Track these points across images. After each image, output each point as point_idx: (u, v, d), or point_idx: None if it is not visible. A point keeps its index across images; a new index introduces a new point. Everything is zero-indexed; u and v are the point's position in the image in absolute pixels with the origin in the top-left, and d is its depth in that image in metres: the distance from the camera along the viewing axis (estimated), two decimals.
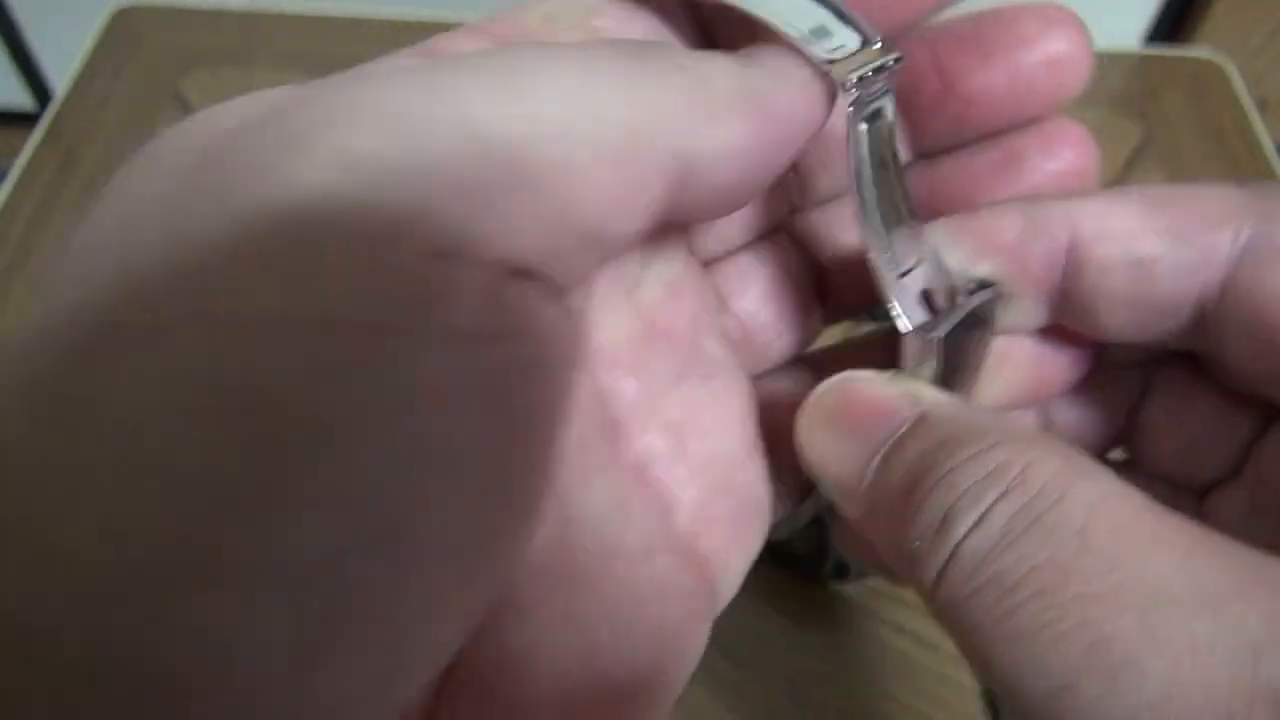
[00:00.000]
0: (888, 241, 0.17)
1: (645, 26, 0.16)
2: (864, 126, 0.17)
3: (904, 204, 0.17)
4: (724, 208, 0.16)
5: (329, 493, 0.11)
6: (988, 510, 0.13)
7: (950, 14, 0.17)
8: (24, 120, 0.60)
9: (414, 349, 0.11)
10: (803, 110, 0.15)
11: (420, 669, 0.13)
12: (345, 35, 0.55)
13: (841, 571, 0.34)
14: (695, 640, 0.17)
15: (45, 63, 0.71)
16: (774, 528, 0.21)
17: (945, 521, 0.14)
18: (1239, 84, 0.53)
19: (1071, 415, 0.20)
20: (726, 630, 0.35)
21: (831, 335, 0.21)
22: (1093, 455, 0.19)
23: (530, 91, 0.13)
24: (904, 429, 0.15)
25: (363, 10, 0.55)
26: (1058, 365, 0.19)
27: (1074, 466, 0.14)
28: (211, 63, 0.53)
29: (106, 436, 0.10)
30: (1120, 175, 0.50)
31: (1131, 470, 0.19)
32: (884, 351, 0.18)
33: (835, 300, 0.20)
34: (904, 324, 0.17)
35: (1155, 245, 0.16)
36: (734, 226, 0.19)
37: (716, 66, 0.15)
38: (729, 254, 0.20)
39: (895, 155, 0.17)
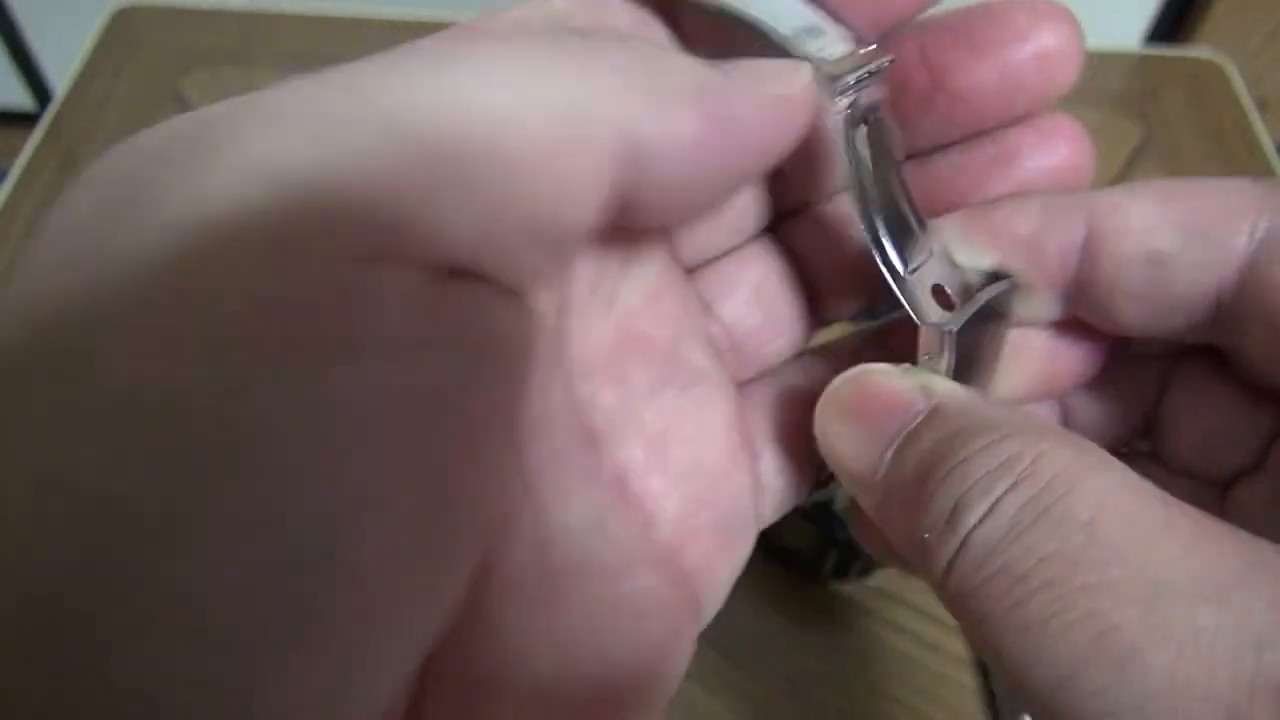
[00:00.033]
0: (893, 241, 0.17)
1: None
2: (860, 130, 0.17)
3: (906, 202, 0.17)
4: (685, 207, 0.15)
5: (249, 514, 0.10)
6: (998, 501, 0.14)
7: (939, 9, 0.17)
8: (24, 120, 0.60)
9: (335, 362, 0.11)
10: (770, 120, 0.15)
11: (376, 686, 0.12)
12: (345, 35, 0.55)
13: (841, 571, 0.34)
14: (679, 654, 0.17)
15: (45, 63, 0.71)
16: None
17: (956, 512, 0.14)
18: (1239, 84, 0.53)
19: (1091, 408, 0.20)
20: (726, 630, 0.35)
21: (829, 335, 0.21)
22: (1113, 448, 0.19)
23: (460, 81, 0.12)
24: (917, 421, 0.15)
25: (363, 10, 0.55)
26: (1074, 358, 0.19)
27: (1085, 458, 0.14)
28: (211, 63, 0.53)
29: (13, 466, 0.10)
30: (1120, 175, 0.50)
31: (1153, 463, 0.19)
32: (901, 342, 0.18)
33: (829, 301, 0.20)
34: (917, 319, 0.17)
35: (1171, 240, 0.16)
36: (719, 232, 0.19)
37: (677, 62, 0.14)
38: (714, 260, 0.19)
39: (893, 155, 0.17)
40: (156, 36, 0.55)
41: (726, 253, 0.19)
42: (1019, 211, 0.17)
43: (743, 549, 0.19)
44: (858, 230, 0.17)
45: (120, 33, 0.55)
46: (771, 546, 0.35)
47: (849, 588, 0.35)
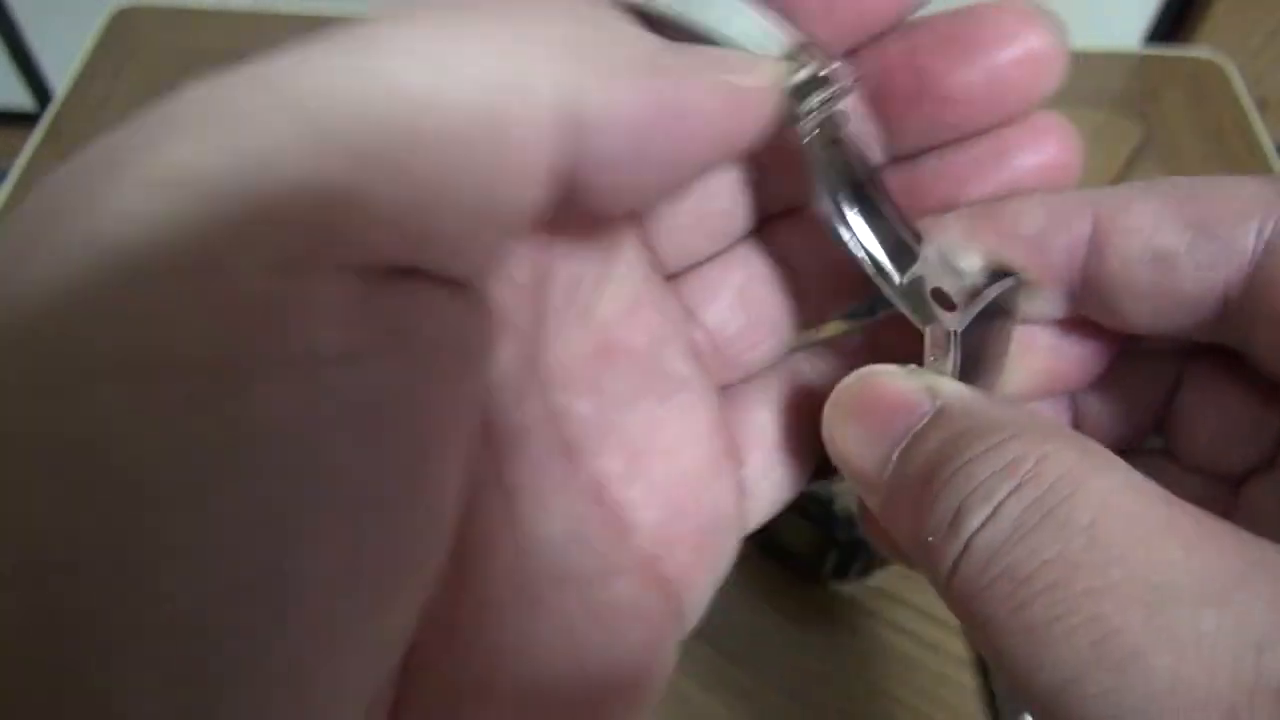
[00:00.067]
0: (884, 252, 0.17)
1: None
2: (830, 151, 0.17)
3: (891, 211, 0.18)
4: (633, 192, 0.15)
5: (187, 542, 0.10)
6: (1000, 504, 0.14)
7: (923, 11, 0.17)
8: (24, 120, 0.60)
9: (262, 381, 0.10)
10: (726, 111, 0.15)
11: (342, 704, 0.12)
12: None
13: (841, 571, 0.34)
14: (661, 661, 0.17)
15: (45, 63, 0.71)
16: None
17: (959, 515, 0.14)
18: (1239, 84, 0.53)
19: (1102, 404, 0.19)
20: (726, 629, 0.35)
21: (821, 333, 0.21)
22: (1125, 445, 0.19)
23: (381, 63, 0.12)
24: (923, 422, 0.15)
25: (362, 11, 0.55)
26: (1082, 355, 0.18)
27: (1089, 460, 0.14)
28: (211, 63, 0.53)
29: None
30: (1120, 175, 0.50)
31: (1166, 459, 0.19)
32: (895, 338, 0.18)
33: (817, 303, 0.20)
34: (919, 325, 0.17)
35: (1178, 239, 0.16)
36: (701, 237, 0.19)
37: (628, 36, 0.14)
38: (697, 265, 0.19)
39: (869, 168, 0.17)
40: (156, 36, 0.55)
41: (710, 257, 0.19)
42: (1025, 209, 0.17)
43: (725, 556, 0.19)
44: (846, 249, 0.17)
45: (120, 33, 0.55)
46: (771, 546, 0.35)
47: (849, 588, 0.35)
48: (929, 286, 0.17)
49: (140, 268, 0.10)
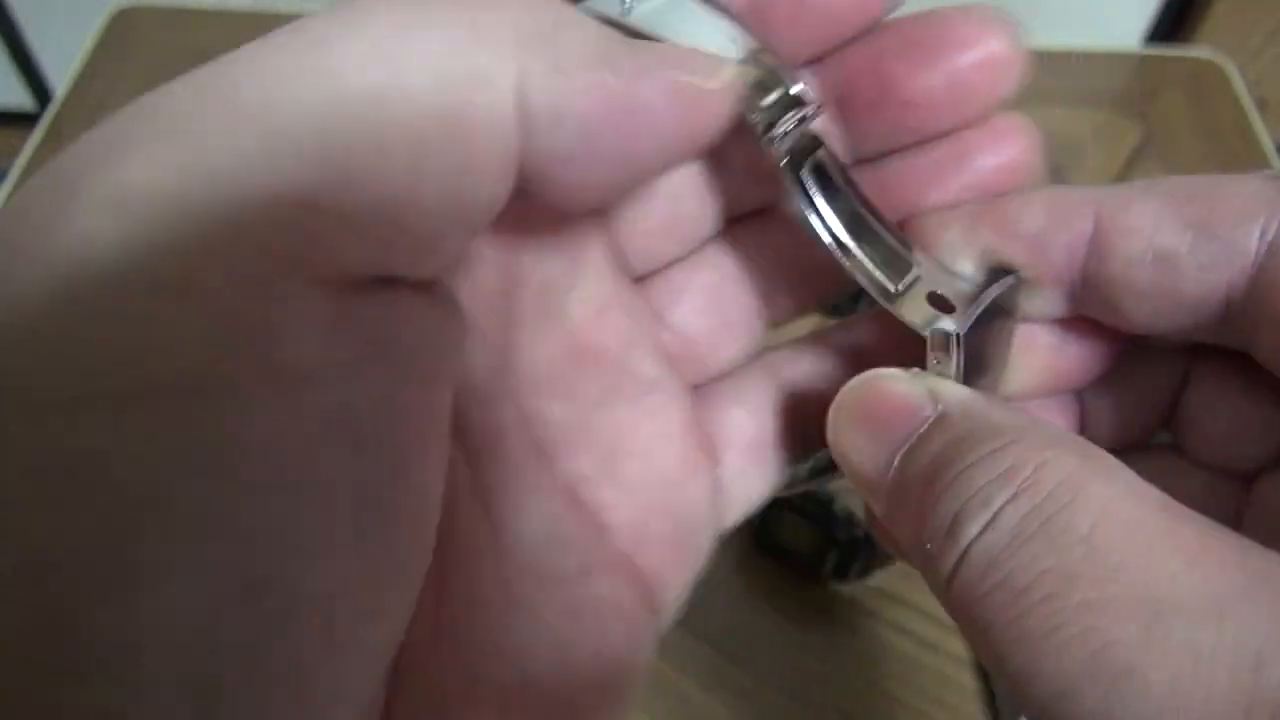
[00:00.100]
0: (875, 264, 0.17)
1: None
2: (806, 173, 0.17)
3: (876, 221, 0.18)
4: (584, 189, 0.14)
5: (185, 549, 0.10)
6: (998, 512, 0.13)
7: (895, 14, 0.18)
8: (24, 120, 0.60)
9: (245, 398, 0.11)
10: (681, 111, 0.14)
11: (341, 704, 0.12)
12: None
13: (841, 571, 0.34)
14: (640, 655, 0.17)
15: (45, 63, 0.71)
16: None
17: (956, 522, 0.14)
18: (1239, 84, 0.53)
19: (1110, 401, 0.19)
20: (726, 630, 0.35)
21: (802, 327, 0.21)
22: (1135, 441, 0.19)
23: (336, 63, 0.11)
24: (924, 428, 0.15)
25: None
26: (1086, 352, 0.18)
27: (1089, 466, 0.14)
28: None
29: None
30: (1120, 175, 0.50)
31: (1177, 454, 0.19)
32: (875, 334, 0.19)
33: (790, 301, 0.20)
34: (920, 332, 0.17)
35: (1179, 239, 0.16)
36: (669, 241, 0.19)
37: (584, 31, 0.14)
38: (663, 269, 0.19)
39: (849, 183, 0.18)
40: (156, 36, 0.55)
41: (678, 259, 0.19)
42: (1026, 207, 0.17)
43: (700, 553, 0.19)
44: (840, 267, 0.17)
45: (120, 33, 0.55)
46: (771, 546, 0.36)
47: (849, 588, 0.35)
48: (925, 291, 0.17)
49: (99, 295, 0.10)
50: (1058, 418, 0.19)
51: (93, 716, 0.10)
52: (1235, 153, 0.50)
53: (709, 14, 0.16)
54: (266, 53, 0.12)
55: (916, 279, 0.17)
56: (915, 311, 0.17)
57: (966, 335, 0.16)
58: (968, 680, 0.34)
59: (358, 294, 0.12)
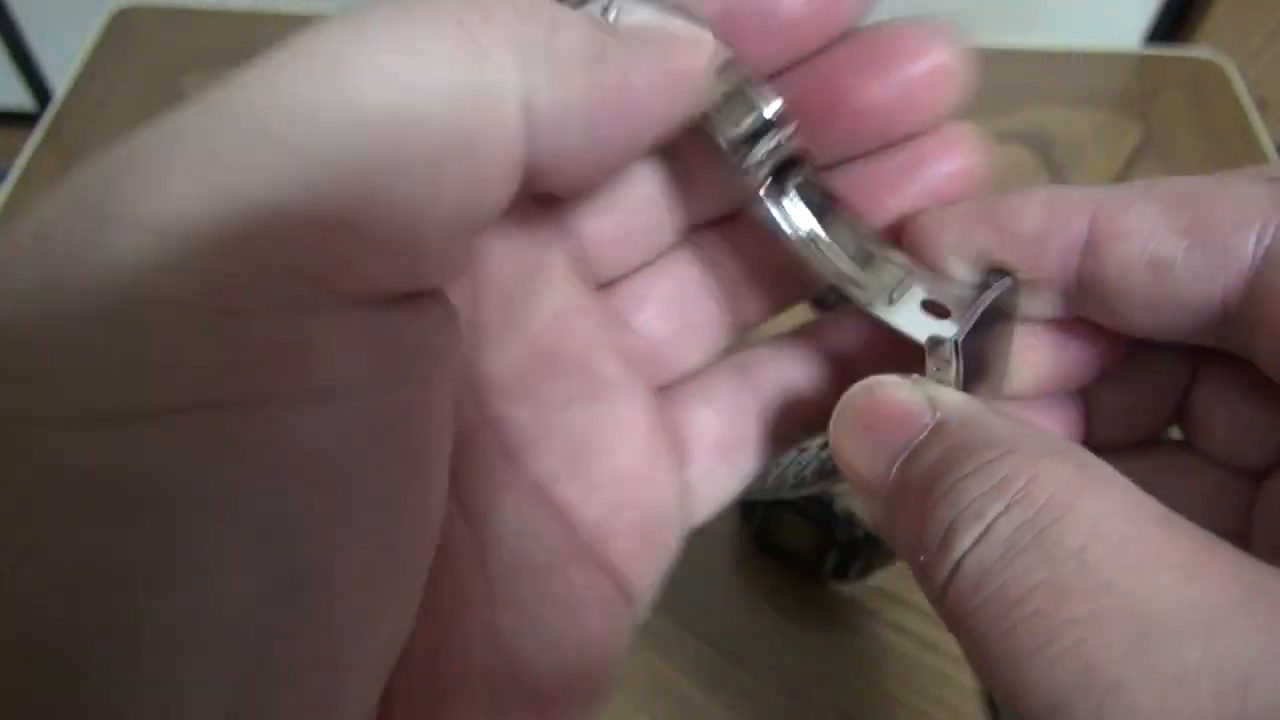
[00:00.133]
0: (865, 278, 0.18)
1: None
2: (790, 196, 0.17)
3: (864, 236, 0.18)
4: (576, 176, 0.15)
5: (241, 555, 0.11)
6: (990, 525, 0.13)
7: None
8: (24, 120, 0.60)
9: (285, 413, 0.11)
10: (666, 94, 0.15)
11: (358, 694, 0.13)
12: None
13: (841, 571, 0.34)
14: (618, 645, 0.18)
15: (45, 63, 0.71)
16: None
17: (949, 534, 0.14)
18: (1239, 84, 0.53)
19: (1116, 398, 0.19)
20: (726, 630, 0.35)
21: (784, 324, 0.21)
22: (1144, 437, 0.19)
23: (354, 82, 0.12)
24: (922, 436, 0.15)
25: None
26: (1087, 352, 0.18)
27: (1084, 478, 0.14)
28: (211, 63, 0.53)
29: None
30: (1120, 175, 0.50)
31: (1187, 450, 0.19)
32: (867, 327, 0.19)
33: (751, 305, 0.20)
34: (917, 341, 0.17)
35: (1173, 246, 0.16)
36: (632, 249, 0.20)
37: (575, 29, 0.14)
38: (626, 276, 0.20)
39: (828, 196, 0.18)
40: (156, 36, 0.55)
41: (640, 267, 0.20)
42: (1024, 207, 0.17)
43: (668, 548, 0.19)
44: (833, 288, 0.18)
45: (120, 33, 0.55)
46: (771, 546, 0.36)
47: (849, 588, 0.35)
48: (919, 299, 0.17)
49: (158, 313, 0.11)
50: (1064, 416, 0.19)
51: (149, 706, 0.10)
52: (1235, 153, 0.50)
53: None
54: (282, 76, 0.12)
55: (909, 286, 0.18)
56: (910, 320, 0.17)
57: (965, 340, 0.16)
58: (968, 680, 0.34)
59: (382, 307, 0.12)
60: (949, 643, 0.35)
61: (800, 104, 0.17)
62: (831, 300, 0.20)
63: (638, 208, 0.19)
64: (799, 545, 0.35)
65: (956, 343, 0.16)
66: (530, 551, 0.17)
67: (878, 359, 0.19)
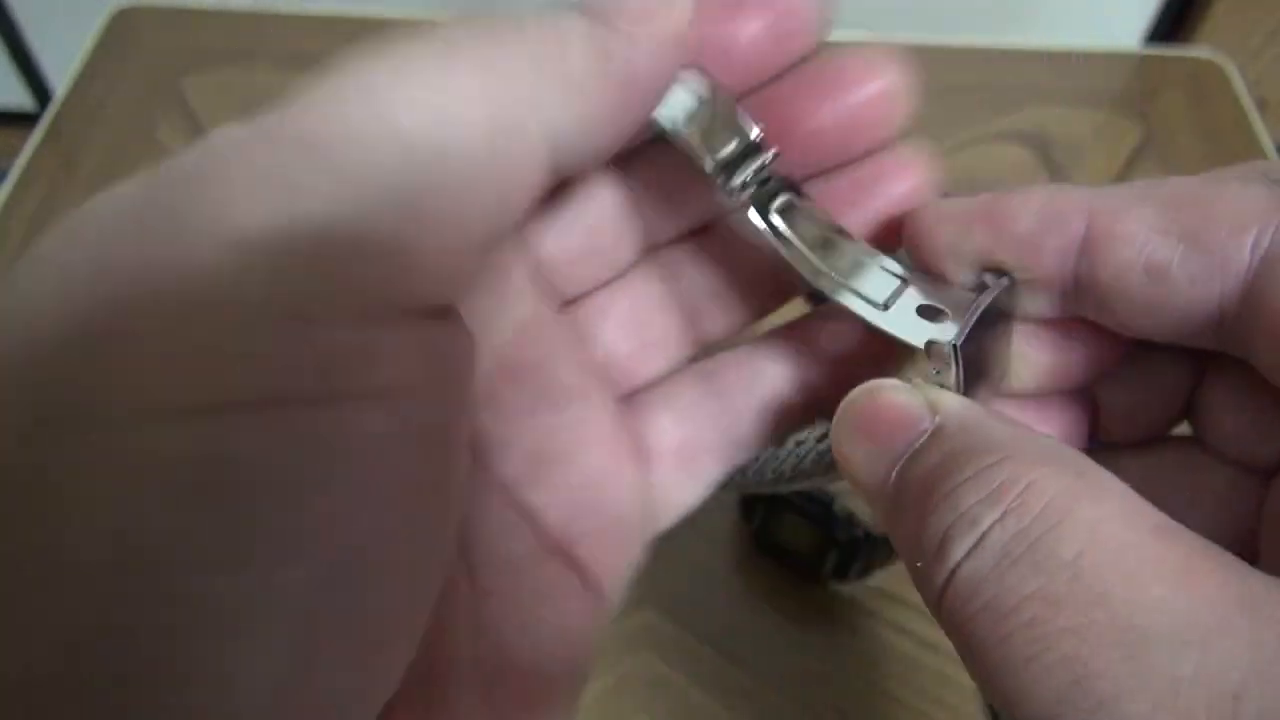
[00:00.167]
0: (859, 287, 0.18)
1: None
2: (777, 218, 0.18)
3: (855, 248, 0.18)
4: (588, 161, 0.16)
5: (293, 542, 0.12)
6: (985, 533, 0.14)
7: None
8: (24, 120, 0.60)
9: (353, 411, 0.12)
10: (660, 62, 0.16)
11: (392, 678, 0.14)
12: (346, 35, 0.54)
13: (841, 571, 0.34)
14: (591, 635, 0.19)
15: (45, 63, 0.71)
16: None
17: (944, 542, 0.14)
18: (1239, 84, 0.53)
19: (1123, 395, 0.19)
20: (726, 630, 0.35)
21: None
22: (1152, 433, 0.19)
23: (397, 121, 0.13)
24: (921, 440, 0.15)
25: (363, 10, 0.55)
26: (1089, 351, 0.18)
27: (1081, 485, 0.14)
28: (211, 63, 0.53)
29: (70, 519, 0.11)
30: (1120, 175, 0.50)
31: (1197, 446, 0.19)
32: (835, 332, 0.20)
33: (711, 319, 0.21)
34: (915, 346, 0.17)
35: (1169, 251, 0.16)
36: (586, 269, 0.21)
37: (579, 39, 0.15)
38: (590, 292, 0.21)
39: (814, 211, 0.18)
40: (156, 36, 0.55)
41: (603, 284, 0.21)
42: (1022, 207, 0.17)
43: (633, 551, 0.20)
44: (830, 301, 0.18)
45: (120, 33, 0.55)
46: (771, 546, 0.36)
47: (849, 588, 0.36)
48: (915, 305, 0.17)
49: (239, 317, 0.12)
50: (1070, 413, 0.19)
51: (208, 675, 0.11)
52: (1235, 153, 0.50)
53: None
54: (328, 106, 0.13)
55: (903, 291, 0.18)
56: (907, 325, 0.17)
57: (963, 342, 0.16)
58: (967, 680, 0.34)
59: (423, 318, 0.14)
60: (949, 643, 0.34)
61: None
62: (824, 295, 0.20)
63: (597, 228, 0.20)
64: (799, 545, 0.35)
65: (955, 345, 0.16)
66: (507, 548, 0.18)
67: (853, 359, 0.20)
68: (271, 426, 0.12)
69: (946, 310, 0.17)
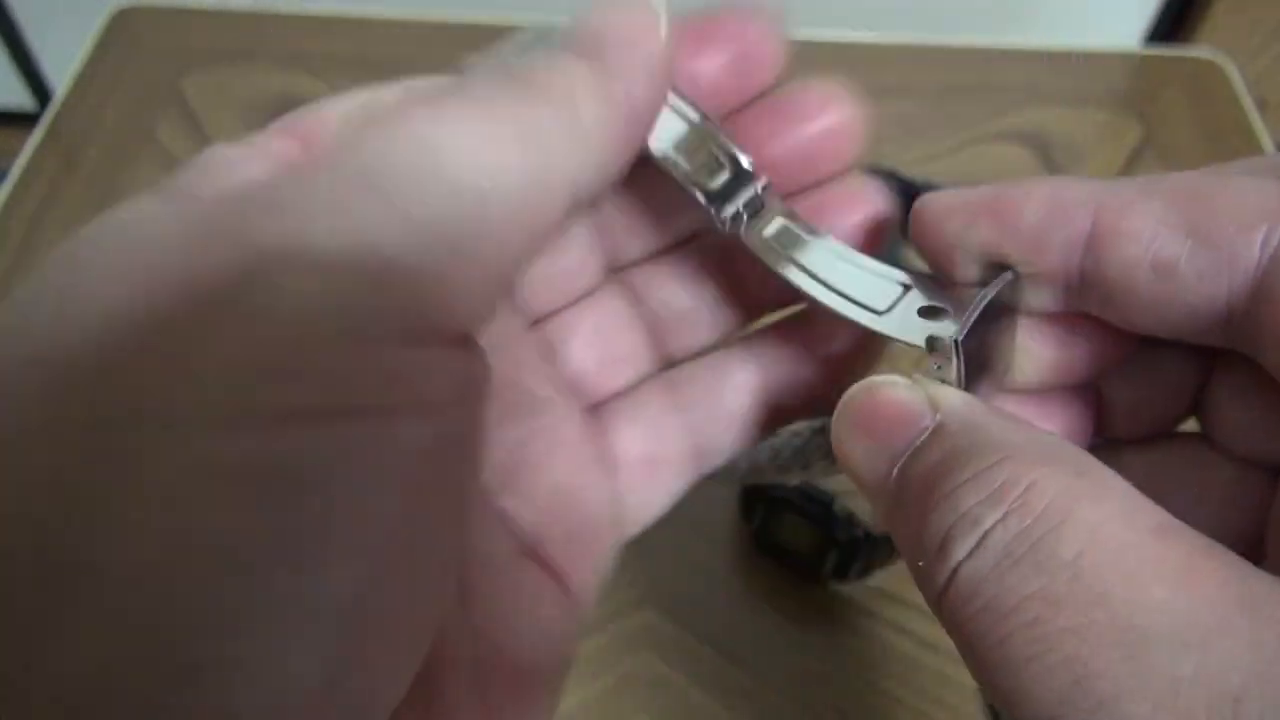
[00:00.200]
0: (858, 295, 0.18)
1: None
2: (772, 237, 0.19)
3: (853, 258, 0.18)
4: (595, 200, 0.17)
5: (346, 543, 0.12)
6: (986, 533, 0.14)
7: None
8: (24, 120, 0.60)
9: (401, 420, 0.13)
10: (652, 79, 0.16)
11: (409, 674, 0.14)
12: (345, 35, 0.55)
13: (841, 571, 0.34)
14: (570, 635, 0.20)
15: (45, 63, 0.71)
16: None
17: (945, 542, 0.14)
18: (1239, 84, 0.53)
19: (1130, 391, 0.19)
20: (726, 630, 0.35)
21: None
22: (1160, 429, 0.19)
23: (446, 168, 0.14)
24: (923, 438, 0.15)
25: (363, 10, 0.55)
26: (1094, 346, 0.18)
27: (1082, 485, 0.14)
28: (211, 63, 0.53)
29: (126, 517, 0.12)
30: (1120, 175, 0.50)
31: (1205, 443, 0.18)
32: (814, 337, 0.20)
33: (677, 336, 0.22)
34: (917, 347, 0.17)
35: (1177, 248, 0.16)
36: (556, 289, 0.21)
37: (589, 91, 0.16)
38: (559, 311, 0.22)
39: (806, 226, 0.19)
40: (156, 36, 0.55)
41: (572, 303, 0.22)
42: (1027, 200, 0.17)
43: (602, 555, 0.20)
44: (829, 312, 0.18)
45: (120, 33, 0.55)
46: (771, 546, 0.36)
47: (849, 588, 0.36)
48: (916, 306, 0.17)
49: (310, 332, 0.13)
50: (1075, 408, 0.19)
51: (260, 662, 0.12)
52: (1235, 153, 0.50)
53: None
54: (384, 145, 0.14)
55: (904, 292, 0.18)
56: (908, 327, 0.17)
57: (965, 337, 0.16)
58: (968, 680, 0.34)
59: (457, 343, 0.14)
60: (949, 642, 0.34)
61: None
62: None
63: (564, 248, 0.21)
64: (799, 545, 0.35)
65: (957, 341, 0.16)
66: (489, 549, 0.19)
67: (830, 361, 0.21)
68: (331, 435, 0.12)
69: (948, 310, 0.17)
